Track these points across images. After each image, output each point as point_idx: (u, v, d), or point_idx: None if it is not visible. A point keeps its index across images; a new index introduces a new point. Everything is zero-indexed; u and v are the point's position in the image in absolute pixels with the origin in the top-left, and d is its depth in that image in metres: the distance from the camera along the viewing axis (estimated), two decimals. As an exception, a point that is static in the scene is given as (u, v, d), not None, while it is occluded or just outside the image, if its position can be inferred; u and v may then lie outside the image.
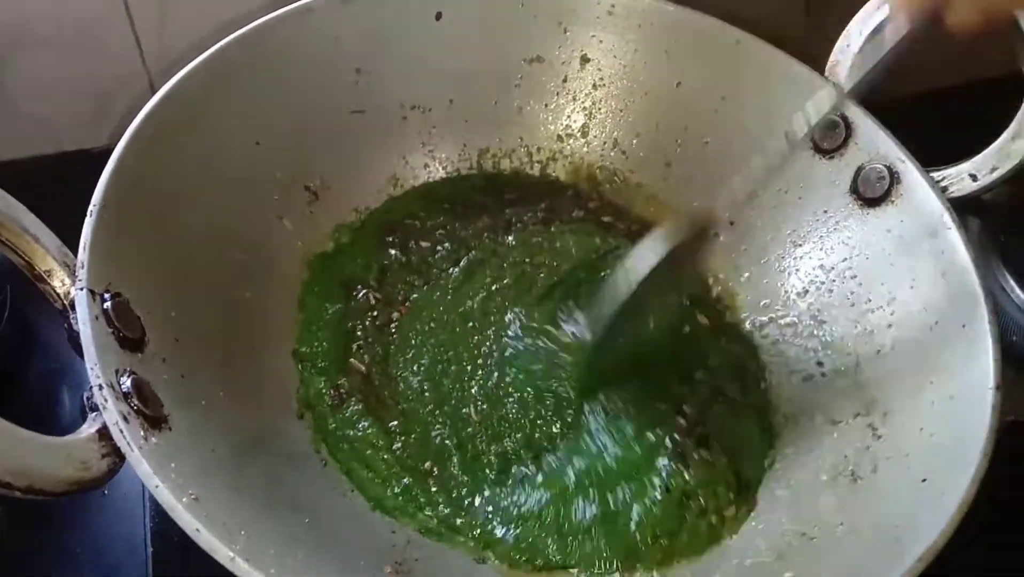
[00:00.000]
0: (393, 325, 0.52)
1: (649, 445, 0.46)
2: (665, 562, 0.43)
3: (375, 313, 0.52)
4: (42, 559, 0.50)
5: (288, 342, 0.49)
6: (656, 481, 0.45)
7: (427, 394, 0.49)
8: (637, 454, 0.46)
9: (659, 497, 0.44)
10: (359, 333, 0.51)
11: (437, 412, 0.48)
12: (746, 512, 0.45)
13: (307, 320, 0.51)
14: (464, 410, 0.48)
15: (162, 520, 0.50)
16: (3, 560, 0.50)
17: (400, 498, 0.45)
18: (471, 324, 0.52)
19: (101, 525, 0.52)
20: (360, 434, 0.47)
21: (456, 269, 0.54)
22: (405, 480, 0.45)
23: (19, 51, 0.62)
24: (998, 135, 0.50)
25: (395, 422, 0.48)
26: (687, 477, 0.45)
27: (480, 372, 0.50)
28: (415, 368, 0.50)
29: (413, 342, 0.51)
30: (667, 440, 0.46)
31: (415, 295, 0.53)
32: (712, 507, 0.45)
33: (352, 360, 0.50)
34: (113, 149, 0.41)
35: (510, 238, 0.57)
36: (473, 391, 0.49)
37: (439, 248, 0.56)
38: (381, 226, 0.56)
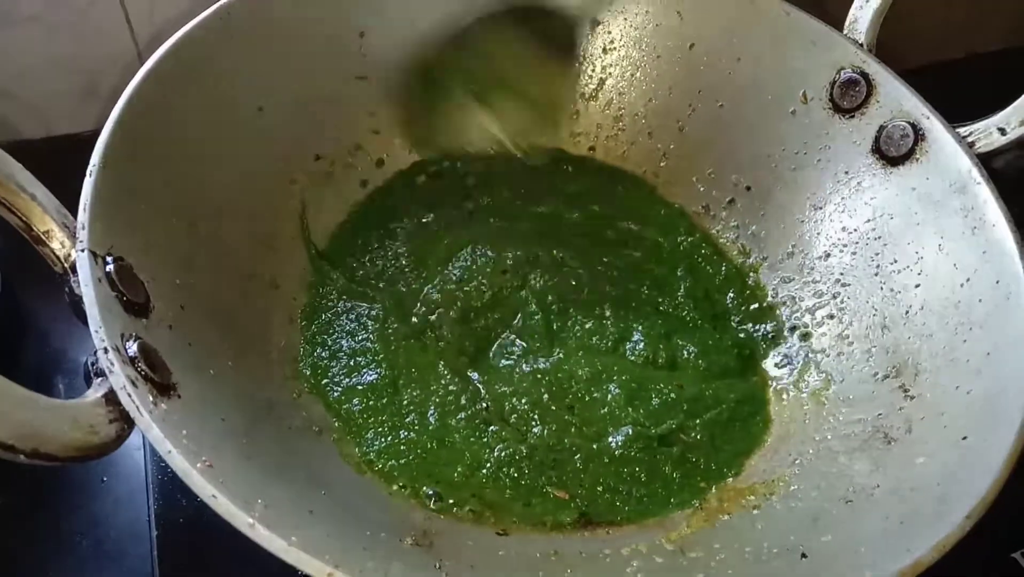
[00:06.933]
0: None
1: None
2: None
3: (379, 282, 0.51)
4: (42, 546, 0.49)
5: (293, 313, 0.48)
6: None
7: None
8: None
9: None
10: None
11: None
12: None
13: (311, 292, 0.49)
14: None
15: (166, 503, 0.49)
16: (2, 548, 0.49)
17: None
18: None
19: (101, 511, 0.50)
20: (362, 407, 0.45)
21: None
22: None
23: (4, 28, 0.60)
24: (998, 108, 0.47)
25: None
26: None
27: None
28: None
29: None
30: None
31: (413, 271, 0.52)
32: None
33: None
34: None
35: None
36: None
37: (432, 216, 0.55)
38: (385, 201, 0.55)
